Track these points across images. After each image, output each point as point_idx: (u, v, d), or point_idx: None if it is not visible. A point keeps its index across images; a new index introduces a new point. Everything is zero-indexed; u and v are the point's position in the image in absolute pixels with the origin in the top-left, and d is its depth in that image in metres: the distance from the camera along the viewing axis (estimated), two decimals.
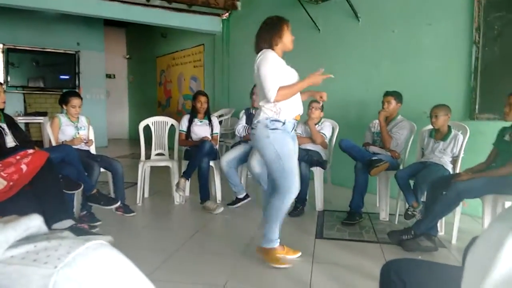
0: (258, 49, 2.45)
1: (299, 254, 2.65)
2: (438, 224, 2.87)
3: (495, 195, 2.65)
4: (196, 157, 3.75)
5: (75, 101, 3.50)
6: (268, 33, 2.43)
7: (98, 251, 0.46)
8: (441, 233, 3.02)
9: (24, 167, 2.44)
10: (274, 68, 2.33)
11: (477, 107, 3.60)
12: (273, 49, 2.41)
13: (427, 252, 2.68)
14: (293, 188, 2.40)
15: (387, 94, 3.61)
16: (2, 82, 7.52)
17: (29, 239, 0.47)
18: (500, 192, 2.63)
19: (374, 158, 3.33)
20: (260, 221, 3.09)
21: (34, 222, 0.49)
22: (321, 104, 3.82)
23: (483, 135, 3.47)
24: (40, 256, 0.44)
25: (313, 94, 2.63)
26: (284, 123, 2.38)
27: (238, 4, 6.73)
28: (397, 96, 3.59)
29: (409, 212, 3.12)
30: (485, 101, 3.56)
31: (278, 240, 2.53)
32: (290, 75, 2.43)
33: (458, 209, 2.86)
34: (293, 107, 2.44)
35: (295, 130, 2.63)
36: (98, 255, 0.46)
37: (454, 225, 2.91)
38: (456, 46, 3.78)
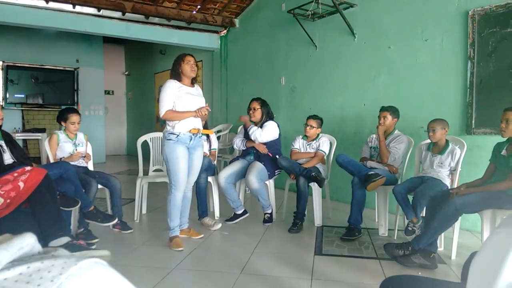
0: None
1: (202, 235, 3.38)
2: (438, 240, 2.85)
3: (493, 210, 2.64)
4: None
5: (74, 117, 3.51)
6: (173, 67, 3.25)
7: (91, 271, 0.46)
8: (440, 248, 3.00)
9: (21, 184, 2.43)
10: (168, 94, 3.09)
11: (473, 121, 3.62)
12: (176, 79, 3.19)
13: (425, 268, 2.66)
14: (176, 185, 3.07)
15: (383, 109, 3.64)
16: (1, 99, 7.57)
17: (22, 259, 0.47)
18: (498, 207, 2.62)
19: (370, 172, 3.32)
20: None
21: (28, 241, 0.49)
22: (317, 122, 3.92)
23: (480, 148, 3.48)
24: (33, 277, 0.44)
25: (197, 113, 3.05)
26: (178, 135, 3.01)
27: (236, 21, 6.82)
28: (393, 111, 3.62)
29: (409, 228, 3.10)
30: (481, 116, 3.58)
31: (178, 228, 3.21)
32: (187, 101, 3.06)
33: (457, 225, 2.85)
34: (186, 124, 3.05)
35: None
36: (91, 275, 0.46)
37: (453, 240, 2.90)
38: (451, 61, 3.83)
